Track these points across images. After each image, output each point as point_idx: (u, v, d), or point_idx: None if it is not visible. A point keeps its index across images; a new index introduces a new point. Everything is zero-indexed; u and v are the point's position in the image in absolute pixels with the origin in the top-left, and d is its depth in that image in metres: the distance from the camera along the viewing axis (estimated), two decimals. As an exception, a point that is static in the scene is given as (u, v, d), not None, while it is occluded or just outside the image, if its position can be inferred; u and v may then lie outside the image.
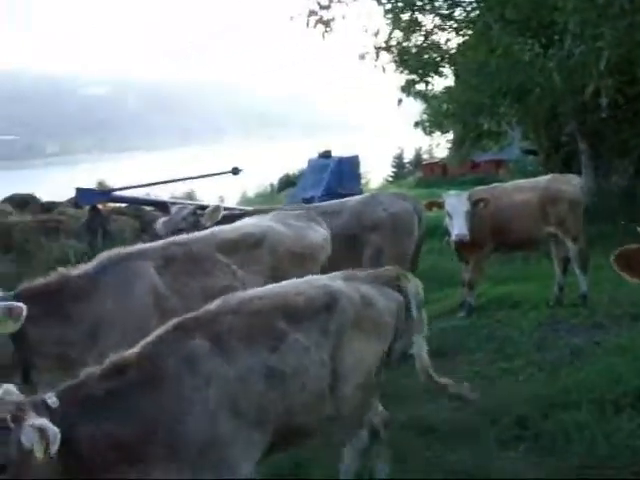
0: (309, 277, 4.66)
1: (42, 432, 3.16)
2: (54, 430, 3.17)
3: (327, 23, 12.02)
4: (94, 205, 14.34)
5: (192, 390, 3.67)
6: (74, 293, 5.12)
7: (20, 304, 4.69)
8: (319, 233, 6.46)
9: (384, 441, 4.87)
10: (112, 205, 16.24)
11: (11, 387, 3.49)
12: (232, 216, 7.31)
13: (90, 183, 29.95)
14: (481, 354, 7.67)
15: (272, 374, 3.96)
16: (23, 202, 18.83)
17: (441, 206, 8.72)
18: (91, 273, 5.26)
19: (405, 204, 7.94)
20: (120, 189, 15.67)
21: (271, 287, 4.51)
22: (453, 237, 8.59)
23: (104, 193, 15.09)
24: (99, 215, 14.32)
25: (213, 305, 4.17)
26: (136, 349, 3.76)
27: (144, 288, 5.25)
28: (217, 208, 7.45)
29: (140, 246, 5.70)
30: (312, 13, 11.97)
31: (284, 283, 4.56)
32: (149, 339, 3.85)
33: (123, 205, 16.73)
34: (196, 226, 6.75)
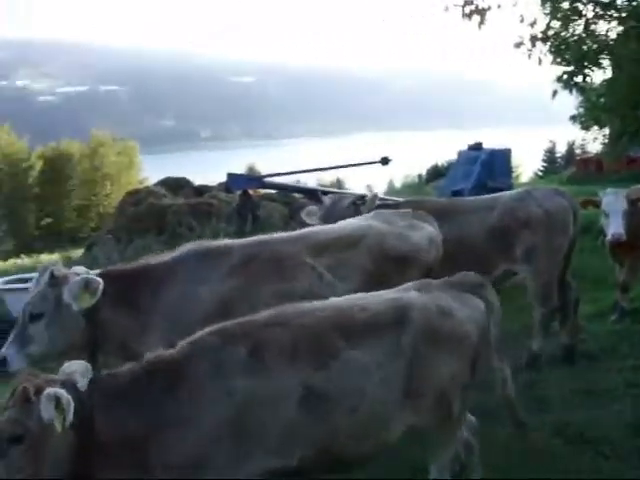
0: (380, 292, 4.33)
1: (57, 400, 3.32)
2: (67, 398, 3.32)
3: (483, 12, 11.80)
4: (245, 190, 14.74)
5: (208, 401, 3.60)
6: (148, 282, 5.22)
7: (97, 279, 4.87)
8: (424, 234, 6.01)
9: (476, 453, 4.64)
10: (262, 191, 16.65)
11: (77, 363, 3.72)
12: (385, 207, 7.17)
13: (240, 169, 30.94)
14: (632, 361, 7.28)
15: (310, 394, 3.71)
16: (177, 185, 19.67)
17: (597, 205, 8.36)
18: (169, 264, 5.34)
19: (561, 200, 7.58)
20: (270, 175, 16.04)
21: (338, 300, 4.25)
22: (609, 237, 8.21)
23: (255, 179, 15.47)
24: (250, 200, 14.72)
25: (266, 313, 3.99)
26: (173, 350, 3.78)
27: (209, 290, 5.17)
28: (374, 197, 7.50)
29: (225, 242, 5.72)
30: (468, 3, 11.78)
31: (354, 296, 4.33)
32: (187, 340, 3.82)
33: (273, 191, 17.13)
34: (356, 216, 6.62)
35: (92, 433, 3.51)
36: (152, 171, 53.82)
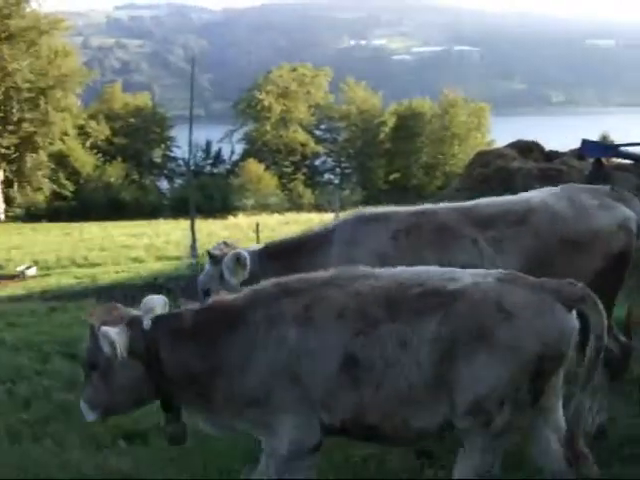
0: (455, 269, 4.09)
1: (106, 337, 3.91)
2: (112, 338, 3.90)
3: None
4: (598, 158, 14.31)
5: (264, 346, 3.90)
6: (308, 249, 5.47)
7: (244, 252, 5.41)
8: (614, 216, 5.23)
9: None
10: (616, 160, 16.02)
11: (156, 298, 4.30)
12: None
13: (593, 136, 29.65)
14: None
15: (348, 358, 3.80)
16: (527, 149, 19.53)
17: None
18: (328, 230, 5.57)
19: None
20: (627, 145, 15.34)
21: (401, 270, 4.13)
22: None
23: (610, 147, 14.92)
24: (602, 169, 14.27)
25: (328, 272, 4.14)
26: (237, 295, 4.16)
27: (367, 252, 5.20)
28: None
29: (391, 209, 5.67)
30: None
31: (420, 269, 4.15)
32: (252, 288, 4.18)
33: (627, 162, 16.38)
34: None
35: (158, 367, 4.04)
36: (500, 133, 53.52)
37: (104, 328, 3.98)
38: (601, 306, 3.80)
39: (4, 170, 56.61)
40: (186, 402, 4.20)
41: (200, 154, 66.99)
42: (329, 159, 71.07)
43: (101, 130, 62.22)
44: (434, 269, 4.14)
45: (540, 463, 4.06)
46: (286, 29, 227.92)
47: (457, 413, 3.76)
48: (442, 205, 5.64)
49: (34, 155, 56.56)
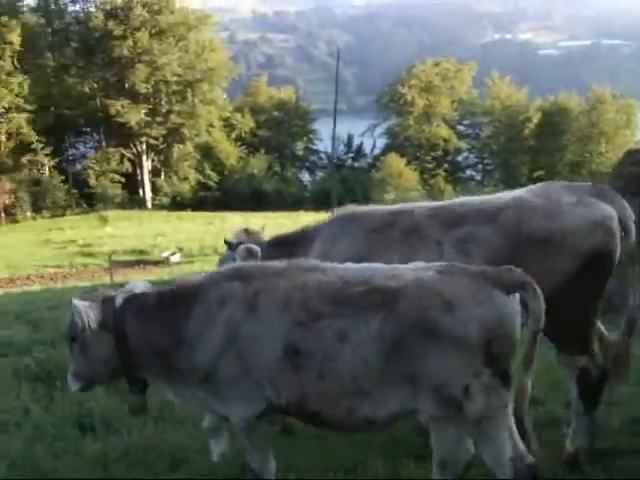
0: (400, 266, 4.23)
1: (76, 308, 4.42)
2: (80, 309, 4.41)
3: None
4: None
5: (213, 324, 4.22)
6: (300, 242, 5.84)
7: (255, 247, 6.00)
8: (589, 213, 5.02)
9: None
10: None
11: (139, 282, 4.78)
12: None
13: None
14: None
15: (289, 346, 4.02)
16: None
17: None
18: (318, 226, 5.93)
19: None
20: None
21: (354, 267, 4.33)
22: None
23: None
24: None
25: (286, 263, 4.39)
26: (198, 277, 4.58)
27: (342, 250, 5.41)
28: None
29: (373, 207, 5.95)
30: None
31: (372, 266, 4.32)
32: (213, 271, 4.69)
33: None
34: None
35: (126, 341, 4.45)
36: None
37: (75, 301, 4.51)
38: (539, 291, 3.99)
39: (152, 160, 59.37)
40: (153, 375, 4.59)
41: (342, 147, 67.45)
42: (471, 155, 69.68)
43: (246, 123, 63.90)
44: (380, 266, 4.30)
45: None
46: (429, 23, 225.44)
47: (424, 404, 3.93)
48: (421, 204, 5.73)
49: (181, 146, 58.97)
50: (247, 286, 4.24)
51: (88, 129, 62.51)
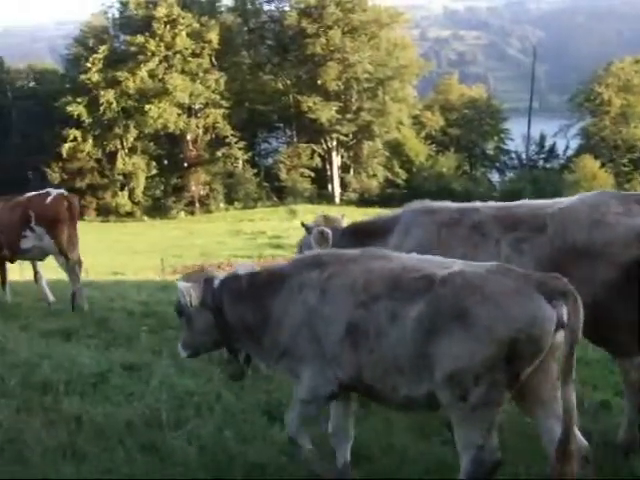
0: (458, 260, 4.60)
1: (179, 288, 5.18)
2: (181, 289, 5.16)
3: None
4: None
5: (294, 306, 4.80)
6: (372, 233, 6.37)
7: (327, 229, 6.60)
8: (632, 226, 5.18)
9: None
10: None
11: (247, 264, 5.55)
12: None
13: None
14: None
15: (350, 324, 4.53)
16: None
17: None
18: (395, 217, 6.38)
19: None
20: None
21: (417, 257, 4.78)
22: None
23: None
24: None
25: (357, 251, 4.97)
26: (284, 264, 5.33)
27: (415, 242, 5.84)
28: None
29: (444, 204, 6.28)
30: None
31: (433, 258, 4.74)
32: (295, 259, 5.38)
33: None
34: None
35: (223, 317, 5.11)
36: None
37: (179, 283, 5.28)
38: (580, 303, 4.12)
39: (342, 156, 60.12)
40: (245, 347, 5.27)
41: (533, 147, 65.00)
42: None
43: (436, 120, 63.12)
44: (439, 259, 4.70)
45: (549, 452, 4.38)
46: (630, 17, 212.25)
47: (436, 385, 4.27)
48: (489, 204, 6.13)
49: (371, 143, 59.21)
50: (322, 272, 4.80)
51: (280, 125, 64.46)
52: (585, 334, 4.28)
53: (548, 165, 64.59)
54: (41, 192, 12.58)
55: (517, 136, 67.19)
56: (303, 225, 7.15)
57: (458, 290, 4.21)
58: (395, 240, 6.07)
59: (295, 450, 5.09)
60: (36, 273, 12.88)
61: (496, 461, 4.27)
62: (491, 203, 6.24)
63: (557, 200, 5.84)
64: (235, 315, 5.10)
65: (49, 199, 12.19)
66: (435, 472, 5.26)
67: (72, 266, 12.11)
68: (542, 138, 65.42)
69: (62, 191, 12.63)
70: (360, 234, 6.45)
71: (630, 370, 5.43)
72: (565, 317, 4.08)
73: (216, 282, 5.17)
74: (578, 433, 4.32)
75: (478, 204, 6.11)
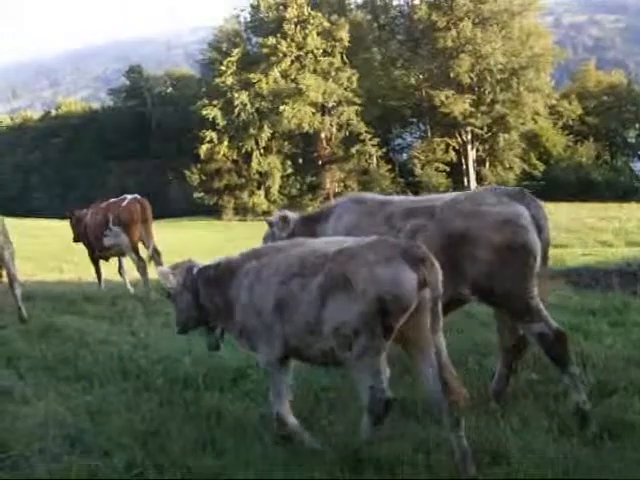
0: (351, 239, 5.76)
1: (160, 273, 6.51)
2: (162, 273, 6.44)
3: None
4: None
5: (243, 290, 5.92)
6: (317, 219, 7.51)
7: (287, 214, 7.77)
8: (499, 212, 6.29)
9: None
10: None
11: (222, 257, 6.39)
12: None
13: None
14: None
15: (277, 301, 5.63)
16: None
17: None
18: (331, 205, 7.80)
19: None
20: None
21: (326, 240, 6.09)
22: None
23: None
24: None
25: (284, 242, 6.47)
26: (235, 256, 6.24)
27: (342, 227, 6.98)
28: None
29: (373, 196, 7.56)
30: None
31: (337, 239, 5.96)
32: (242, 253, 6.25)
33: None
34: None
35: (198, 298, 6.23)
36: None
37: (159, 268, 6.82)
38: (437, 265, 5.22)
39: (477, 149, 59.11)
40: (219, 324, 6.33)
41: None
42: None
43: (573, 110, 60.91)
44: (339, 238, 5.98)
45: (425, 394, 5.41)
46: None
47: (327, 338, 5.35)
48: (408, 197, 7.39)
49: (506, 135, 57.86)
50: (259, 261, 5.94)
51: (414, 120, 64.16)
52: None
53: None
54: (119, 198, 14.85)
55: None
56: (265, 220, 8.20)
57: (342, 262, 5.28)
58: (332, 224, 7.18)
59: (277, 425, 5.92)
60: (120, 267, 15.36)
61: (388, 398, 5.27)
62: (412, 197, 7.60)
63: (453, 194, 6.99)
64: (207, 298, 6.21)
65: (124, 203, 14.42)
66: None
67: (142, 264, 14.11)
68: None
69: (136, 196, 14.77)
70: (310, 220, 7.64)
71: (504, 331, 6.92)
72: (426, 278, 5.09)
73: (195, 270, 6.32)
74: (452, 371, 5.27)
75: (398, 198, 7.41)
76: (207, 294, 6.19)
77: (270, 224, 8.00)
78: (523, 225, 6.26)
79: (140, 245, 14.40)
